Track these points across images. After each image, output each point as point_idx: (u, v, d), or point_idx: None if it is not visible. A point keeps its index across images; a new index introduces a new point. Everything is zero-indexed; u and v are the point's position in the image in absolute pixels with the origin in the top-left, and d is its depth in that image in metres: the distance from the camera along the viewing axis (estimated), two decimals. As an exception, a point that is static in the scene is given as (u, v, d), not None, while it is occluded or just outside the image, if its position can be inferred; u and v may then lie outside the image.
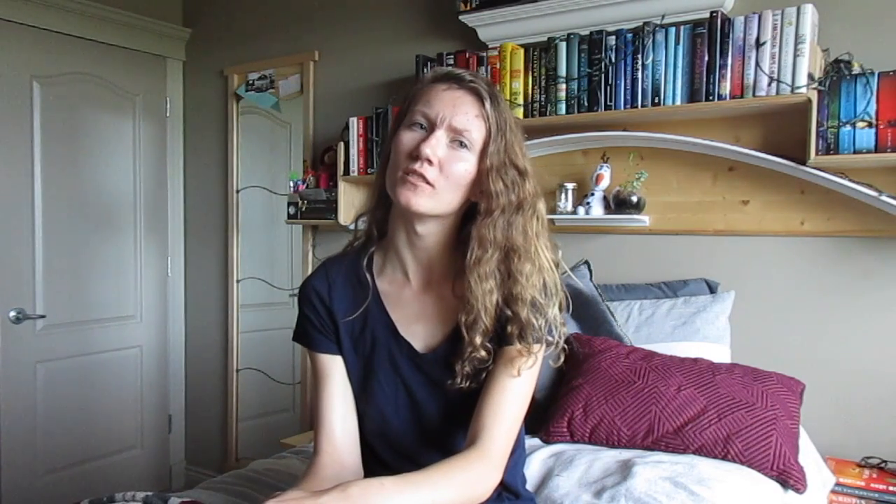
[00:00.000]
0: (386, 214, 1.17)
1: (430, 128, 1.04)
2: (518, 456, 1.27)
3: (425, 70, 2.30)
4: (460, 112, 1.04)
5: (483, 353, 1.06)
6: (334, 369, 1.17)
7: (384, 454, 1.18)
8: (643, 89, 1.95)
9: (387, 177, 1.08)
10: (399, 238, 1.13)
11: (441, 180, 1.04)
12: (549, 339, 1.09)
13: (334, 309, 1.16)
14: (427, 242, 1.11)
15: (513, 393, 1.07)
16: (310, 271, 2.87)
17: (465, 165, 1.05)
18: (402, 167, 1.04)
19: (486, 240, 1.06)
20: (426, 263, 1.14)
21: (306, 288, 1.19)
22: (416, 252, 1.13)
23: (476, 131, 1.05)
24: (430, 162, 1.02)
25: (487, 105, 1.06)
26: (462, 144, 1.05)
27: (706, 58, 1.85)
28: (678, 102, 1.90)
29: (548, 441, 1.70)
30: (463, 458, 1.00)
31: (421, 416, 1.15)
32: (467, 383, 1.08)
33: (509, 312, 1.06)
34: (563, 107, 2.07)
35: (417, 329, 1.15)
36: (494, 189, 1.05)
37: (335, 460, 1.12)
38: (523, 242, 1.07)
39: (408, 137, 1.05)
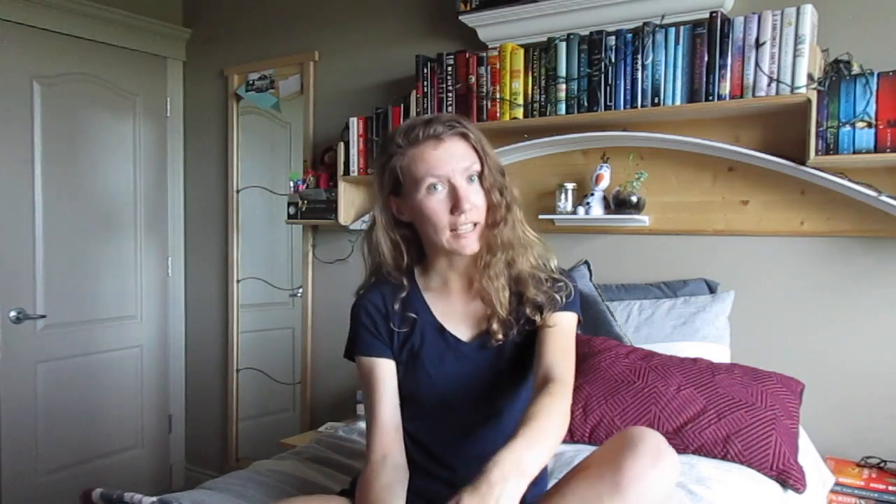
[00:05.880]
0: (411, 256, 1.28)
1: (447, 183, 1.17)
2: None
3: (423, 71, 2.30)
4: (461, 157, 1.18)
5: (500, 336, 1.22)
6: (389, 374, 1.26)
7: (430, 444, 1.27)
8: (643, 89, 1.95)
9: (431, 236, 1.20)
10: (440, 263, 1.28)
11: (480, 217, 1.19)
12: (560, 284, 1.24)
13: (390, 314, 1.27)
14: (467, 260, 1.25)
15: (568, 338, 1.21)
16: (310, 271, 2.90)
17: (481, 193, 1.20)
18: (449, 226, 1.17)
19: (495, 246, 1.20)
20: (466, 273, 1.28)
21: (362, 300, 1.30)
22: (457, 268, 1.28)
23: (475, 164, 1.20)
24: (469, 206, 1.16)
25: (472, 138, 1.20)
26: (472, 180, 1.19)
27: (706, 58, 1.85)
28: (678, 102, 1.90)
29: (548, 441, 1.70)
30: (549, 396, 1.09)
31: (468, 405, 1.24)
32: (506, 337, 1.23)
33: (518, 294, 1.22)
34: (563, 107, 2.07)
35: (461, 324, 1.28)
36: (496, 201, 1.20)
37: (390, 462, 1.19)
38: (518, 234, 1.23)
39: (436, 201, 1.17)
